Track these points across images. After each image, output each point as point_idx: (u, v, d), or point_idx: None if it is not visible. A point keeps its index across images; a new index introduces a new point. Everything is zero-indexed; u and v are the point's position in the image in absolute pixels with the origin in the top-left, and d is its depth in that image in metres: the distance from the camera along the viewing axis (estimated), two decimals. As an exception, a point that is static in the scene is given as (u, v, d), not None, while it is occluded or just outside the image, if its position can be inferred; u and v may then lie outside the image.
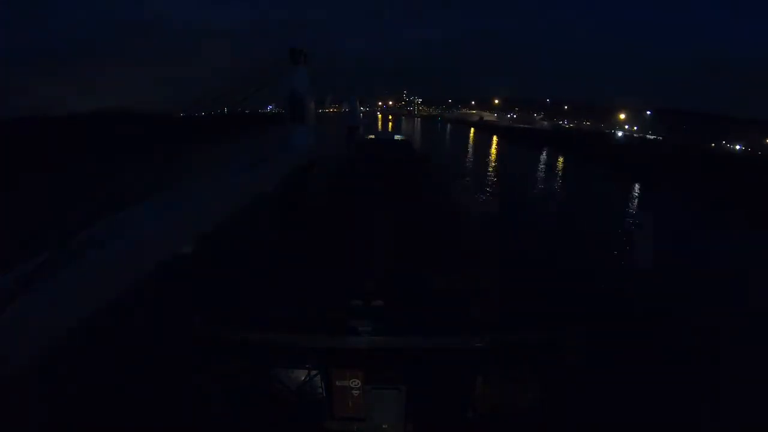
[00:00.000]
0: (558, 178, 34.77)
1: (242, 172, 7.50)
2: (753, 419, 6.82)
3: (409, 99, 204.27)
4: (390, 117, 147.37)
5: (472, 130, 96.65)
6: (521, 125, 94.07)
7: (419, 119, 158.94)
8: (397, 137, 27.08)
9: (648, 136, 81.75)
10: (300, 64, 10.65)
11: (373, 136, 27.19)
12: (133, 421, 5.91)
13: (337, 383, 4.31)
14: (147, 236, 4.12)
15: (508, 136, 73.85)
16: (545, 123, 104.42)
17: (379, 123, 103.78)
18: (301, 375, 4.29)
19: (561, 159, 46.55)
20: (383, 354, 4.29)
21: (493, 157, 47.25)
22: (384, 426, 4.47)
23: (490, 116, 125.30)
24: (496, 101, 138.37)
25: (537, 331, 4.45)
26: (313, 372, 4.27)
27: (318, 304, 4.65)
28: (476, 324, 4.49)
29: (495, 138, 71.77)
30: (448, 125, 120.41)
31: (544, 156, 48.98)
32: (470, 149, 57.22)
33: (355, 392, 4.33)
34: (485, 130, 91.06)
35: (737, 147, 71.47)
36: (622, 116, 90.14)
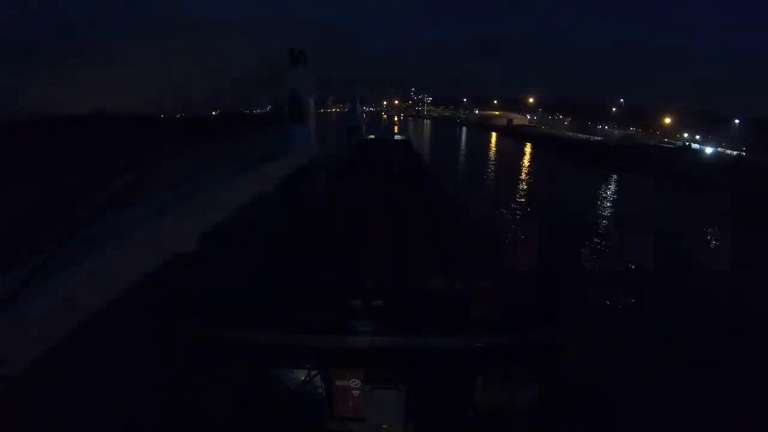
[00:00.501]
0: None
1: (242, 172, 7.50)
2: (750, 419, 6.82)
3: (417, 98, 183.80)
4: (396, 119, 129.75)
5: (492, 138, 70.71)
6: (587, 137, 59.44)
7: (428, 121, 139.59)
8: (397, 137, 27.24)
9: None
10: (300, 65, 10.68)
11: (373, 136, 27.36)
12: (134, 420, 5.91)
13: (337, 383, 4.31)
14: (147, 236, 4.13)
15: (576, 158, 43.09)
16: (616, 132, 69.57)
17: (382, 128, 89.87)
18: (301, 375, 4.29)
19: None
20: (383, 354, 4.29)
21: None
22: (384, 426, 4.46)
23: (521, 119, 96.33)
24: (531, 100, 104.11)
25: (537, 331, 4.45)
26: (313, 372, 4.27)
27: (318, 304, 4.65)
28: (476, 324, 4.48)
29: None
30: (464, 129, 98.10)
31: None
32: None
33: (355, 392, 4.33)
34: (524, 141, 62.76)
35: None
36: (668, 120, 64.66)
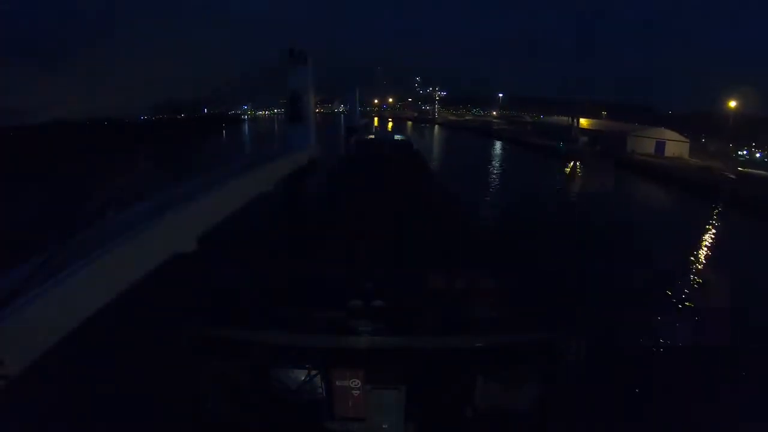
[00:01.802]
0: None
1: (242, 172, 7.52)
2: (748, 420, 6.83)
3: (424, 92, 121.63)
4: (390, 123, 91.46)
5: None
6: None
7: (437, 127, 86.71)
8: (397, 137, 27.21)
9: None
10: (300, 64, 10.69)
11: (372, 136, 27.37)
12: (134, 420, 5.91)
13: (337, 383, 4.30)
14: (147, 236, 4.13)
15: None
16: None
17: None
18: (301, 375, 4.29)
19: None
20: (383, 354, 4.29)
21: None
22: (384, 426, 4.46)
23: (678, 141, 41.81)
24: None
25: (537, 332, 4.45)
26: (313, 372, 4.27)
27: (318, 304, 4.64)
28: (476, 324, 4.48)
29: None
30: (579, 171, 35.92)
31: None
32: None
33: (355, 392, 4.32)
34: None
35: None
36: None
